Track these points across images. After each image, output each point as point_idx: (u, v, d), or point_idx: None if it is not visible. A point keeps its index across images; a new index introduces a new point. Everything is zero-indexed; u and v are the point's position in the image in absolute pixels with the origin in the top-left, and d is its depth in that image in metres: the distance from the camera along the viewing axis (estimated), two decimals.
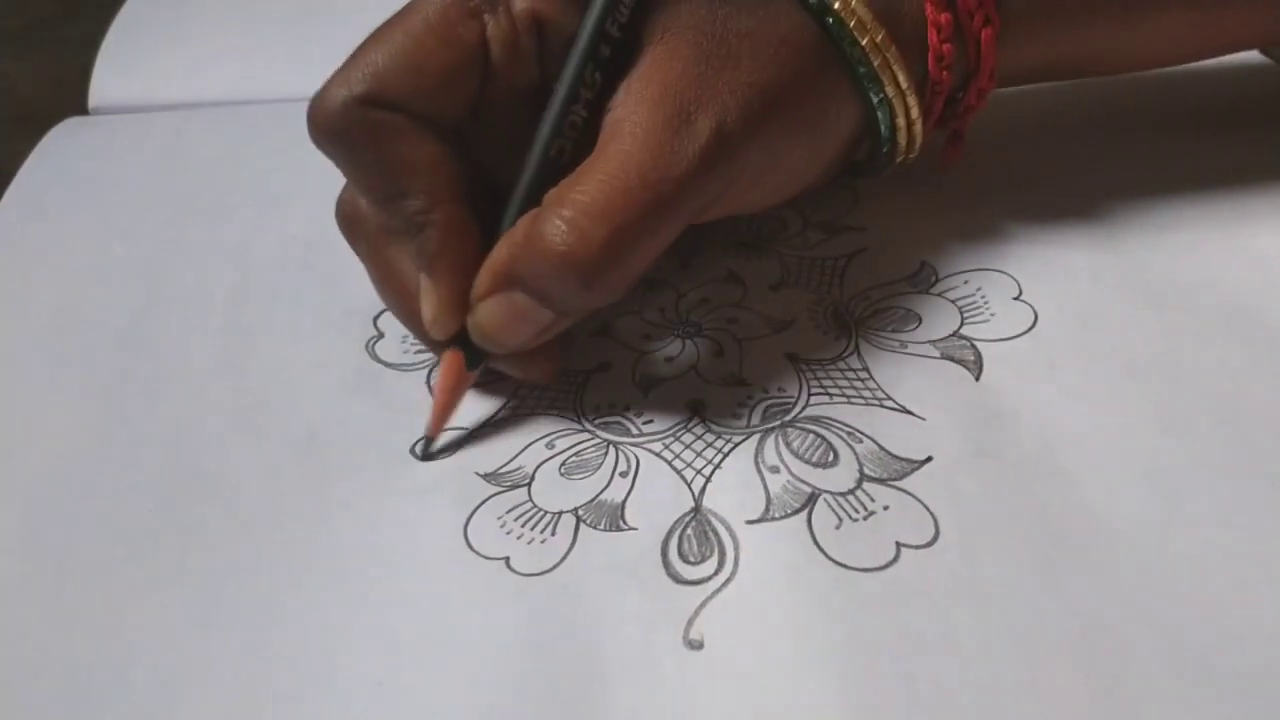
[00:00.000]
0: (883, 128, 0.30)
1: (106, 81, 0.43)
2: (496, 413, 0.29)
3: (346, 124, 0.26)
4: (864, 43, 0.28)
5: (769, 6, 0.28)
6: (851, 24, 0.28)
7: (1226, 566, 0.24)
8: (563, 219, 0.24)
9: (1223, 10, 0.32)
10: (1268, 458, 0.26)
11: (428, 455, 0.28)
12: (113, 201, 0.37)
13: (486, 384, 0.29)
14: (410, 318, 0.28)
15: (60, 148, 0.40)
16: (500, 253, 0.26)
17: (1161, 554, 0.24)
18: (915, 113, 0.30)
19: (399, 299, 0.28)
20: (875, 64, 0.28)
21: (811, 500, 0.26)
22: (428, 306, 0.27)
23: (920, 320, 0.31)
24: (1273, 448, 0.26)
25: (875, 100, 0.29)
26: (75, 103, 0.42)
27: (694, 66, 0.26)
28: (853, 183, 0.35)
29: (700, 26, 0.27)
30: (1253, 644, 0.23)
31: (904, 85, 0.29)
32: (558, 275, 0.25)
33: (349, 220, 0.29)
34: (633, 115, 0.26)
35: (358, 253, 0.29)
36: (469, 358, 0.27)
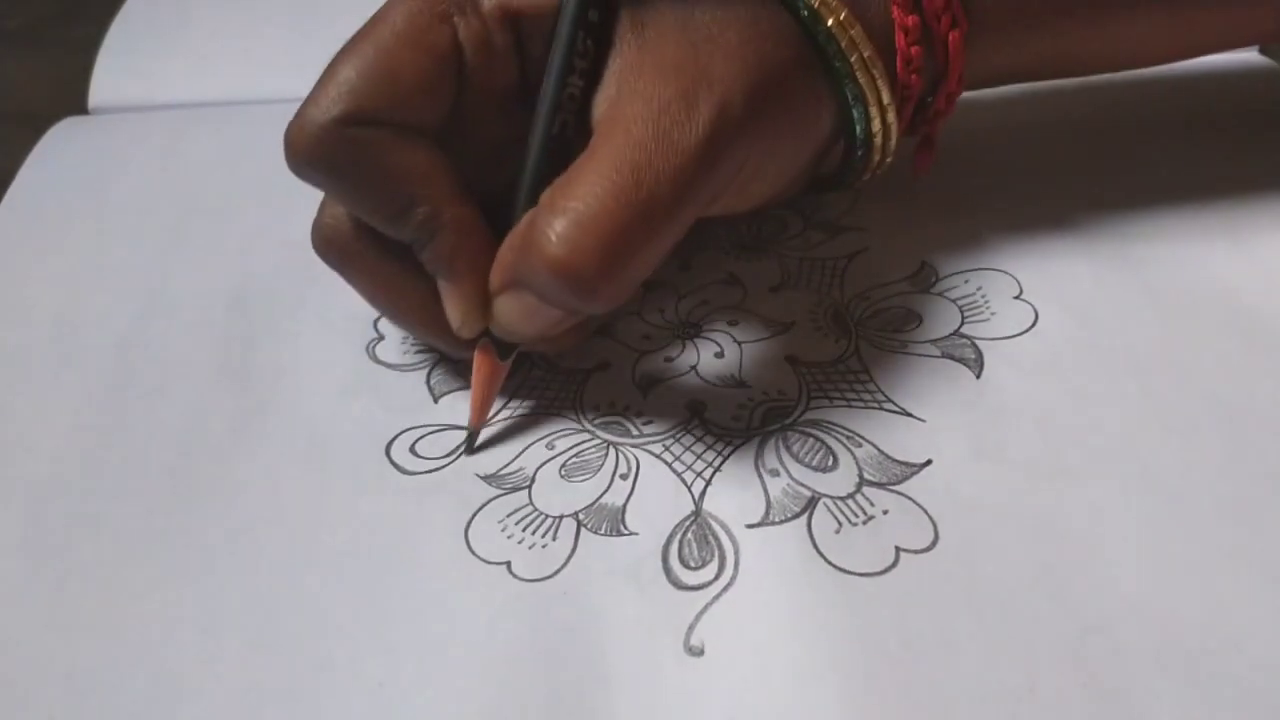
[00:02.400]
0: (858, 128, 0.29)
1: (106, 81, 0.43)
2: (496, 413, 0.29)
3: (330, 148, 0.25)
4: (840, 40, 0.27)
5: (746, 4, 0.27)
6: (829, 21, 0.27)
7: (1227, 567, 0.24)
8: (554, 230, 0.23)
9: (1193, 11, 0.31)
10: (1268, 458, 0.26)
11: (472, 449, 0.28)
12: (113, 202, 0.37)
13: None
14: (428, 326, 0.28)
15: (60, 148, 0.40)
16: (505, 252, 0.25)
17: (1161, 554, 0.24)
18: (890, 115, 0.29)
19: (411, 311, 0.28)
20: (851, 60, 0.28)
21: (811, 504, 0.26)
22: (454, 309, 0.26)
23: (921, 320, 0.31)
24: (1273, 448, 0.26)
25: (851, 98, 0.28)
26: (75, 103, 0.42)
27: (684, 51, 0.25)
28: (819, 199, 0.35)
29: (678, 20, 0.26)
30: (1253, 646, 0.23)
31: (879, 84, 0.28)
32: (552, 285, 0.24)
33: (333, 244, 0.28)
34: (625, 109, 0.24)
35: (347, 276, 0.28)
36: (500, 349, 0.27)
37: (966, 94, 0.31)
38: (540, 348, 0.29)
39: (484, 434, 0.28)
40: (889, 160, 0.31)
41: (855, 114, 0.29)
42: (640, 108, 0.24)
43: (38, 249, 0.35)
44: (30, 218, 0.37)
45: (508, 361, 0.28)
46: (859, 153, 0.30)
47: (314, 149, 0.25)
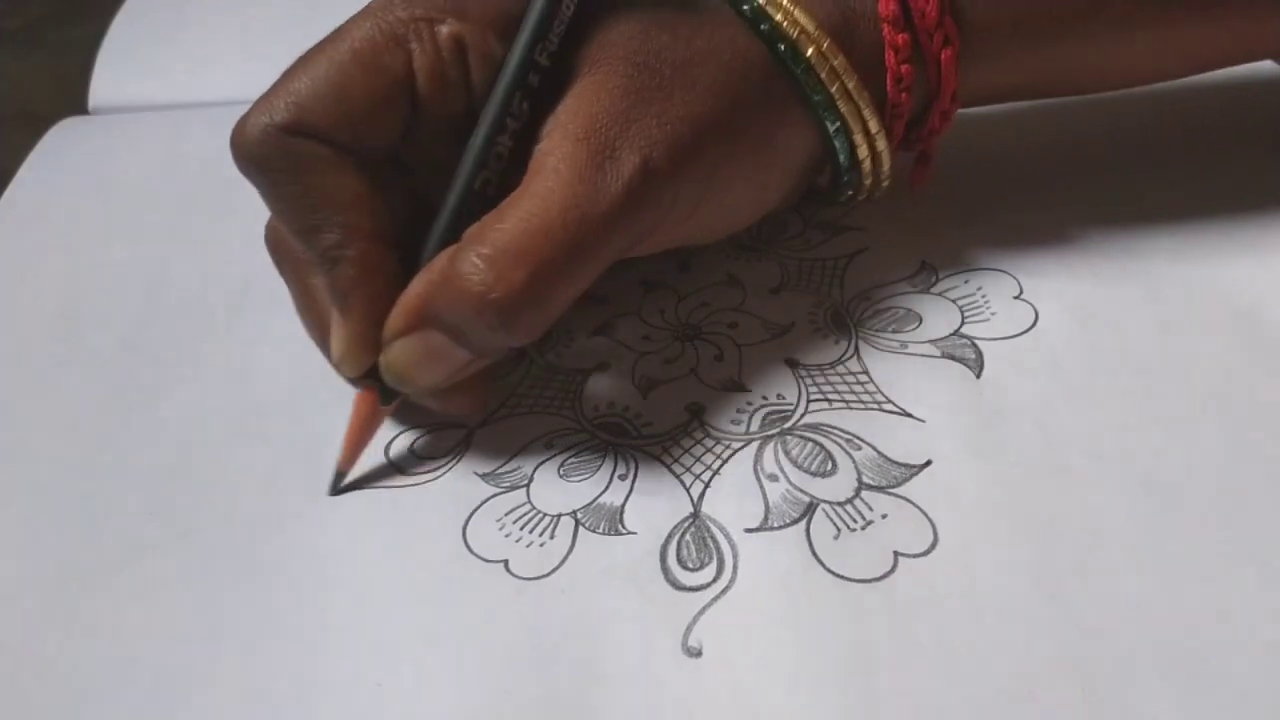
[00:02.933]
0: (841, 156, 0.29)
1: (106, 81, 0.43)
2: (496, 412, 0.29)
3: (267, 152, 0.25)
4: (821, 71, 0.27)
5: (713, 32, 0.27)
6: (808, 53, 0.27)
7: (1227, 567, 0.24)
8: (481, 257, 0.23)
9: (1192, 30, 0.31)
10: (1268, 458, 0.26)
11: (337, 490, 0.27)
12: (113, 201, 0.37)
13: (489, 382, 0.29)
14: (320, 344, 0.28)
15: (60, 148, 0.40)
16: (416, 289, 0.25)
17: (1161, 555, 0.24)
18: (881, 143, 0.29)
19: (315, 329, 0.28)
20: (832, 90, 0.27)
21: (810, 510, 0.26)
22: (337, 343, 0.26)
23: (921, 320, 0.31)
24: (1273, 448, 0.26)
25: (831, 128, 0.28)
26: (75, 103, 0.42)
27: (621, 100, 0.25)
28: (821, 211, 0.35)
29: (631, 58, 0.26)
30: (1253, 647, 0.23)
31: (865, 112, 0.28)
32: (474, 315, 0.24)
33: (274, 246, 0.28)
34: (557, 151, 0.25)
35: (283, 279, 0.28)
36: (383, 394, 0.27)
37: (966, 109, 0.31)
38: (428, 403, 0.28)
39: (482, 436, 0.28)
40: (885, 182, 0.31)
41: (837, 144, 0.29)
42: (569, 151, 0.25)
43: (38, 248, 0.35)
44: (30, 217, 0.37)
45: (390, 407, 0.27)
46: (845, 178, 0.30)
47: (252, 149, 0.25)
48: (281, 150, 0.25)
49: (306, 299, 0.28)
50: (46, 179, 0.38)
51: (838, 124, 0.28)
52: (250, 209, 0.36)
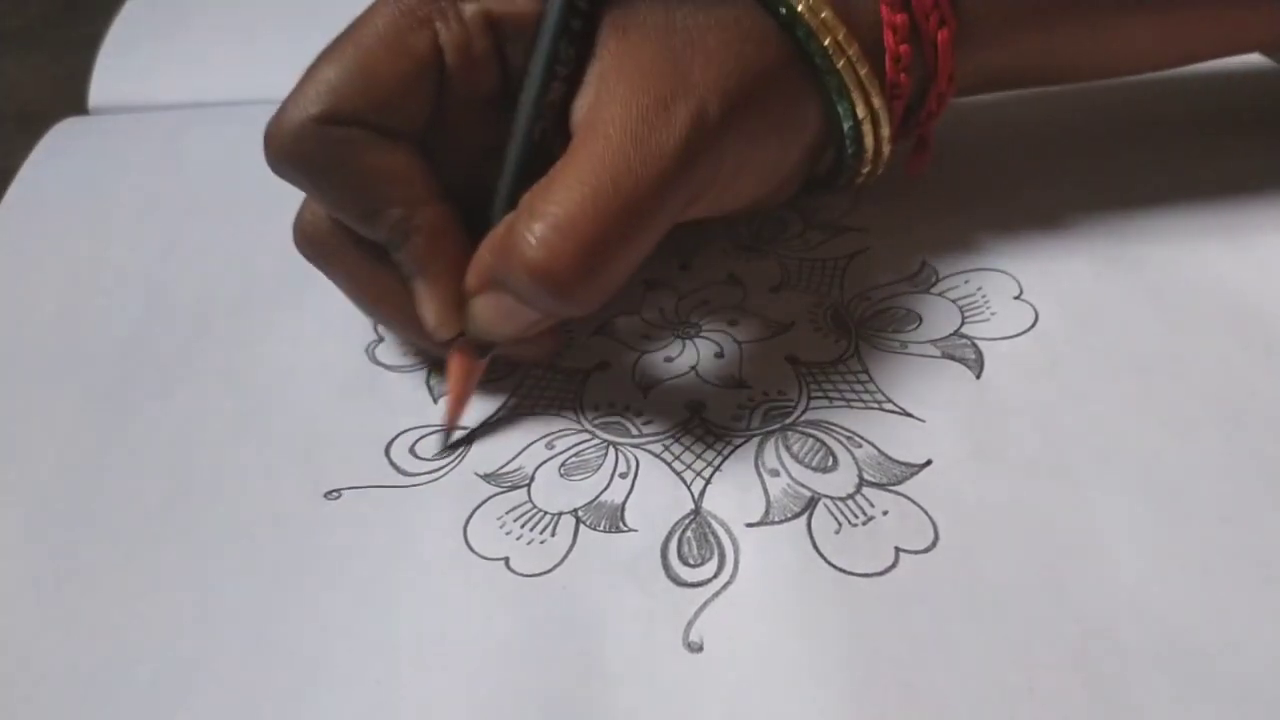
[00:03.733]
0: (845, 124, 0.29)
1: (106, 81, 0.43)
2: (496, 412, 0.29)
3: (308, 146, 0.25)
4: (825, 41, 0.27)
5: (727, 5, 0.27)
6: (812, 23, 0.27)
7: (1227, 566, 0.24)
8: (533, 234, 0.23)
9: (1187, 16, 0.31)
10: (1269, 458, 0.26)
11: (446, 447, 0.28)
12: (113, 202, 0.37)
13: (488, 382, 0.29)
14: (405, 325, 0.28)
15: (60, 148, 0.40)
16: (483, 254, 0.26)
17: (1161, 554, 0.24)
18: (882, 115, 0.29)
19: (389, 310, 0.28)
20: (838, 65, 0.28)
21: (811, 504, 0.26)
22: (429, 311, 0.27)
23: (921, 320, 0.31)
24: (1274, 448, 0.26)
25: (836, 97, 0.28)
26: (75, 103, 0.42)
27: (664, 56, 0.25)
28: (813, 202, 0.35)
29: (660, 23, 0.26)
30: (1253, 647, 0.23)
31: (867, 84, 0.28)
32: (532, 289, 0.24)
33: (313, 242, 0.28)
34: (604, 114, 0.25)
35: (326, 273, 0.29)
36: (477, 348, 0.27)
37: (965, 97, 0.31)
38: (517, 351, 0.29)
39: (483, 434, 0.28)
40: (884, 161, 0.31)
41: (841, 110, 0.29)
42: (618, 112, 0.24)
43: (38, 249, 0.35)
44: (30, 218, 0.37)
45: (484, 360, 0.28)
46: (849, 150, 0.30)
47: (292, 147, 0.25)
48: (322, 141, 0.25)
49: (361, 287, 0.28)
50: (46, 179, 0.38)
51: (842, 92, 0.28)
52: (250, 209, 0.36)
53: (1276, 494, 0.25)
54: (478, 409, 0.29)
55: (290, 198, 0.36)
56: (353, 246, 0.27)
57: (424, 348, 0.30)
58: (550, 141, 0.26)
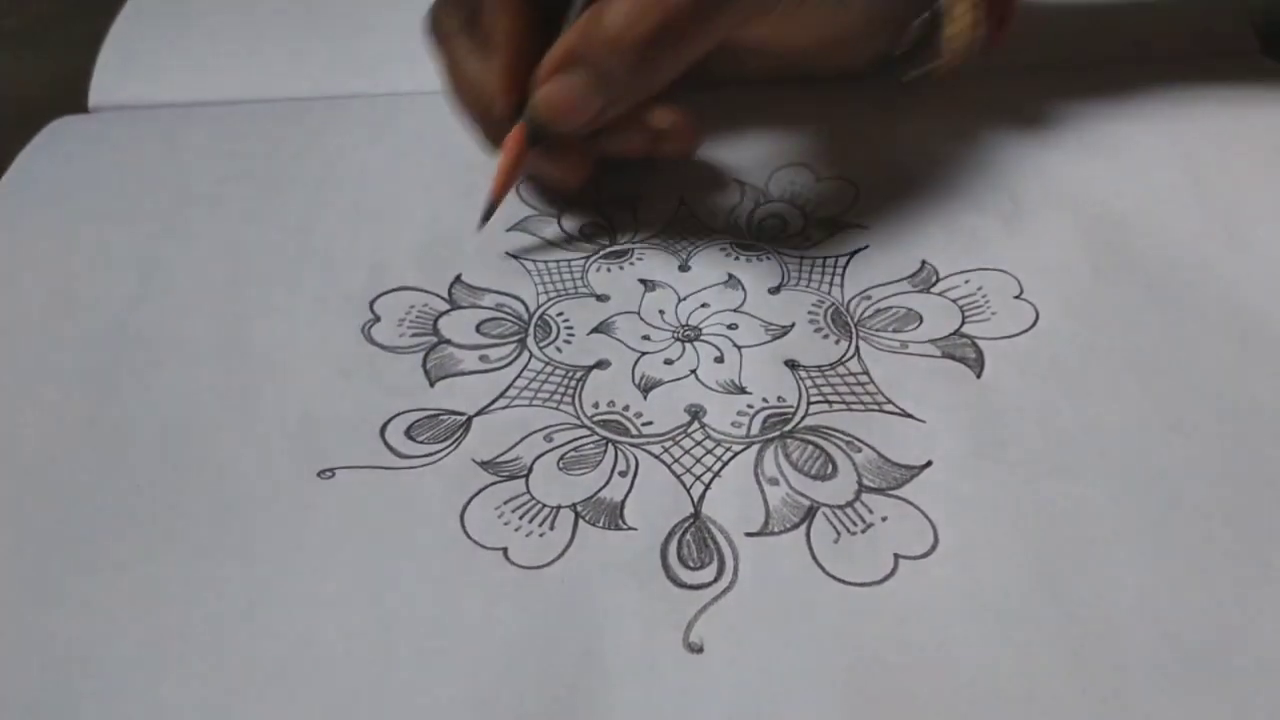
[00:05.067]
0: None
1: (107, 81, 0.43)
2: (492, 402, 0.29)
3: None
4: None
5: None
6: None
7: (1227, 567, 0.24)
8: (620, 9, 0.29)
9: None
10: (1270, 457, 0.26)
11: (486, 218, 0.33)
12: (111, 200, 0.37)
13: (488, 371, 0.29)
14: (473, 105, 0.33)
15: (54, 144, 0.40)
16: (568, 35, 0.30)
17: (1162, 555, 0.24)
18: None
19: (465, 90, 0.33)
20: None
21: (810, 514, 0.26)
22: (491, 81, 0.32)
23: (921, 319, 0.31)
24: (1274, 447, 0.26)
25: None
26: (75, 102, 0.42)
27: None
28: (821, 199, 0.36)
29: None
30: (1254, 647, 0.23)
31: None
32: (611, 54, 0.29)
33: (434, 25, 0.34)
34: None
35: (437, 57, 0.34)
36: (530, 135, 0.31)
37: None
38: (550, 170, 0.33)
39: (480, 425, 0.28)
40: (966, 39, 0.34)
41: None
42: None
43: (33, 246, 0.35)
44: (24, 215, 0.36)
45: (531, 152, 0.32)
46: (939, 6, 0.34)
47: None
48: None
49: (456, 72, 0.33)
50: (40, 177, 0.38)
51: None
52: (248, 202, 0.36)
53: (1276, 494, 0.25)
54: (477, 390, 0.29)
55: (289, 198, 0.36)
56: (456, 30, 0.33)
57: (482, 135, 0.33)
58: None
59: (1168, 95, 0.38)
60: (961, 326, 0.30)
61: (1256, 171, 0.34)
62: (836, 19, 0.34)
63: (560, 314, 0.32)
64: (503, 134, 0.32)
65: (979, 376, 0.29)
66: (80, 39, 0.45)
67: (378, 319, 0.31)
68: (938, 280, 0.32)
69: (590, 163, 0.34)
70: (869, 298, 0.31)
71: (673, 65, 0.30)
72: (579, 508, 0.26)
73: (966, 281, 0.32)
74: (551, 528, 0.26)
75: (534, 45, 0.31)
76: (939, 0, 0.33)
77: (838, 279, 0.32)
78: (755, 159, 0.37)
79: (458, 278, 0.33)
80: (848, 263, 0.33)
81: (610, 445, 0.28)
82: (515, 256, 0.34)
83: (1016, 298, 0.31)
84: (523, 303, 0.32)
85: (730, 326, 0.31)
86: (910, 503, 0.26)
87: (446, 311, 0.32)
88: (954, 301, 0.31)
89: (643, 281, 0.33)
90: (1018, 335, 0.30)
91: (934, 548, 0.25)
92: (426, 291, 0.32)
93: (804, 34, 0.35)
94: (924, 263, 0.32)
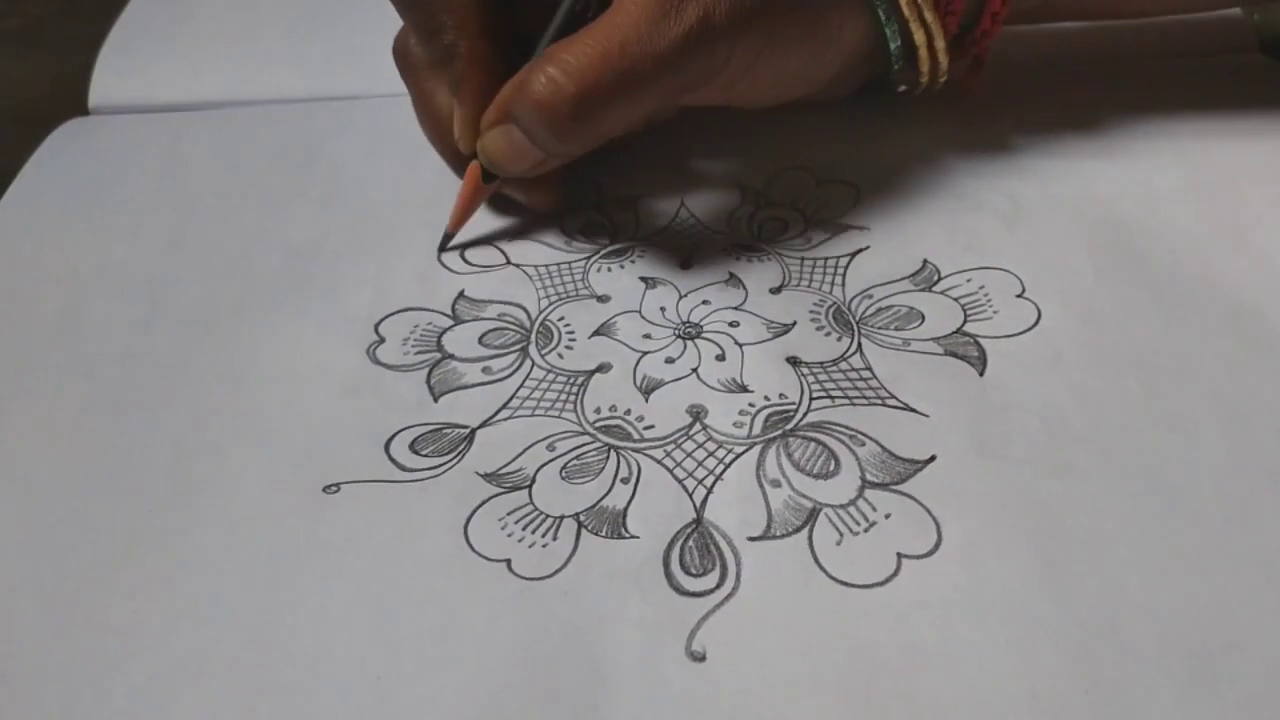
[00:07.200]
0: (891, 45, 0.32)
1: (107, 82, 0.43)
2: (495, 414, 0.29)
3: None
4: None
5: None
6: None
7: (1229, 566, 0.24)
8: (546, 74, 0.29)
9: None
10: (1271, 456, 0.26)
11: (443, 248, 0.34)
12: (113, 203, 0.37)
13: (491, 383, 0.29)
14: (438, 138, 0.34)
15: (62, 150, 0.40)
16: (504, 90, 0.30)
17: (1165, 553, 0.24)
18: (936, 29, 0.32)
19: (431, 122, 0.34)
20: None
21: (813, 516, 0.26)
22: (456, 124, 0.32)
23: (923, 318, 0.31)
24: (1275, 446, 0.26)
25: (883, 16, 0.31)
26: (75, 103, 0.42)
27: None
28: (822, 199, 0.35)
29: None
30: (1257, 646, 0.23)
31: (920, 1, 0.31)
32: (533, 119, 0.29)
33: (401, 56, 0.34)
34: None
35: (406, 85, 0.34)
36: (485, 174, 0.32)
37: (1016, 25, 0.33)
38: (520, 193, 0.34)
39: (483, 438, 0.28)
40: (943, 78, 0.34)
41: (888, 32, 0.32)
42: None
43: (38, 250, 0.35)
44: (30, 219, 0.37)
45: (490, 186, 0.33)
46: (895, 65, 0.33)
47: None
48: None
49: (424, 100, 0.34)
50: (47, 181, 0.38)
51: (889, 11, 0.31)
52: (252, 213, 0.36)
53: (1278, 493, 0.25)
54: (480, 403, 0.29)
55: (290, 200, 0.36)
56: (423, 63, 0.33)
57: (451, 166, 0.34)
58: (591, 15, 0.30)
59: (1168, 95, 0.37)
60: (964, 325, 0.30)
61: (1256, 171, 0.34)
62: (806, 75, 0.33)
63: (561, 319, 0.32)
64: (465, 165, 0.33)
65: (982, 374, 0.29)
66: (80, 39, 0.45)
67: (382, 340, 0.31)
68: (939, 279, 0.32)
69: (559, 189, 0.34)
70: (870, 296, 0.31)
71: (605, 128, 0.30)
72: (582, 517, 0.26)
73: (968, 280, 0.32)
74: (555, 538, 0.26)
75: (496, 90, 0.31)
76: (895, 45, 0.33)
77: (839, 278, 0.32)
78: (755, 162, 0.37)
79: (461, 293, 0.33)
80: (849, 263, 0.33)
81: (612, 451, 0.28)
82: (517, 265, 0.34)
83: (1019, 296, 0.31)
84: (524, 310, 0.32)
85: (731, 324, 0.31)
86: (913, 499, 0.26)
87: (450, 328, 0.32)
88: (956, 300, 0.31)
89: (644, 279, 0.33)
90: (1020, 334, 0.30)
91: (937, 546, 0.25)
92: (430, 310, 0.32)
93: (770, 92, 0.34)
94: (925, 262, 0.32)
